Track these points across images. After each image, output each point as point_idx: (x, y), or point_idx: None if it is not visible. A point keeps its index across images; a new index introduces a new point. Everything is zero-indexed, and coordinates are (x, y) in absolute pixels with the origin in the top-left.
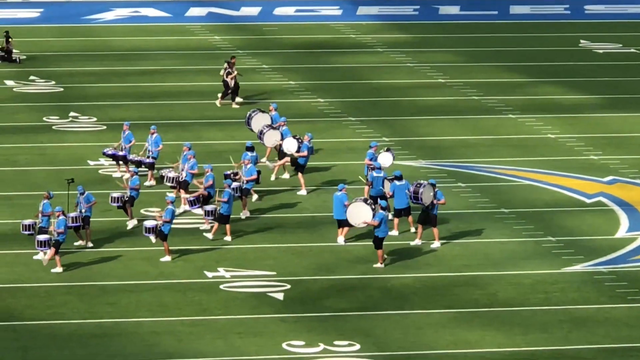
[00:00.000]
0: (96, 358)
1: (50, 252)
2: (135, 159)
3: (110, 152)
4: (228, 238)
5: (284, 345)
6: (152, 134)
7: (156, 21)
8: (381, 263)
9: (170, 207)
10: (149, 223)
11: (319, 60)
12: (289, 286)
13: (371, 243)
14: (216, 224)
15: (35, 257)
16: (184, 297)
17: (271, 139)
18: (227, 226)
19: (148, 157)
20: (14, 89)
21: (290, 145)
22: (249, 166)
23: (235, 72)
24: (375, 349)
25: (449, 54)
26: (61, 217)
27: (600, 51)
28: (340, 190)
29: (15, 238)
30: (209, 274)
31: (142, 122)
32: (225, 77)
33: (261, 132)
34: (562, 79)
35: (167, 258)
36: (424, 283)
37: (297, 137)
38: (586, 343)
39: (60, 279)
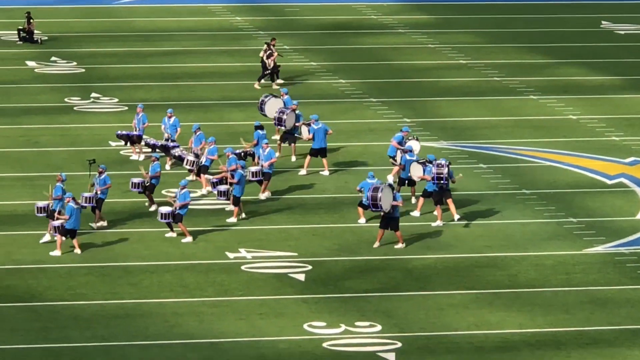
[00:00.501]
0: (118, 339)
1: (58, 238)
2: (151, 142)
3: (123, 133)
4: (233, 219)
5: (305, 326)
6: (170, 117)
7: (178, 2)
8: (402, 243)
9: (184, 191)
10: (164, 209)
11: (340, 41)
12: (310, 267)
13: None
14: (236, 208)
15: (41, 241)
16: (205, 278)
17: (273, 108)
18: (235, 208)
19: (167, 140)
20: (36, 70)
21: (304, 132)
22: (267, 150)
23: (276, 53)
24: (397, 330)
25: (471, 35)
26: (70, 203)
27: (622, 32)
28: (372, 179)
29: (36, 219)
30: (231, 255)
31: (163, 103)
32: (265, 58)
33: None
34: (583, 60)
35: (189, 239)
36: (446, 264)
37: (307, 123)
38: (608, 324)
39: (82, 260)
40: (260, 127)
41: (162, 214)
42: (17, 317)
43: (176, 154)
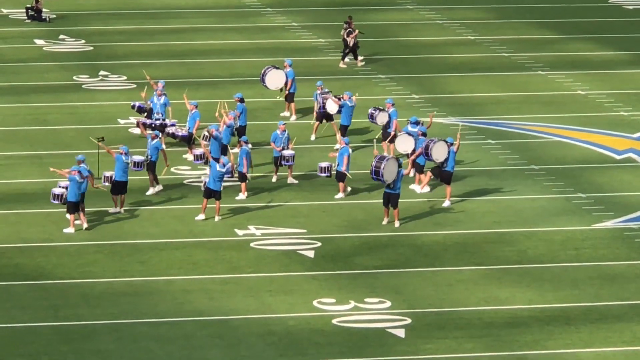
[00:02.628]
0: (127, 316)
1: (71, 218)
2: (148, 122)
3: (138, 104)
4: (242, 196)
5: (314, 302)
6: (160, 95)
7: None
8: (398, 221)
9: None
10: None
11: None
12: (319, 244)
13: (401, 201)
14: (243, 184)
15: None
16: (214, 255)
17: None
18: (243, 184)
19: (158, 119)
20: (44, 48)
21: (331, 107)
22: (286, 133)
23: (357, 31)
24: (406, 306)
25: (479, 11)
26: (76, 175)
27: (630, 7)
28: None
29: (45, 197)
30: (240, 232)
31: (172, 80)
32: (345, 36)
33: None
34: (591, 35)
35: (201, 216)
36: (455, 240)
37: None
38: (617, 299)
39: (91, 238)
40: (242, 100)
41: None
42: (27, 295)
43: (170, 132)
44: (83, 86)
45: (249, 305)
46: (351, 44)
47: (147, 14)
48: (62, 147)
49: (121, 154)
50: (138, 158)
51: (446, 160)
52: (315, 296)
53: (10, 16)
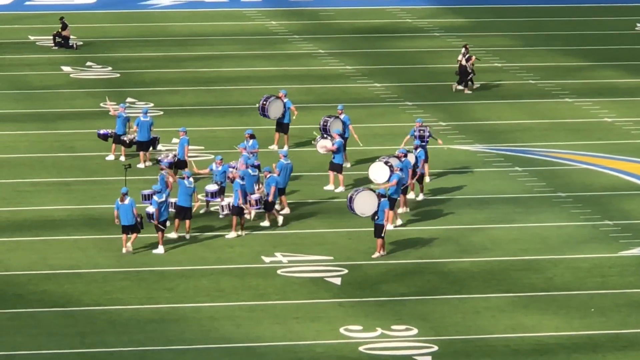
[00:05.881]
0: (154, 343)
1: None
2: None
3: (102, 132)
4: (266, 223)
5: (341, 330)
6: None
7: (213, 6)
8: (378, 252)
9: (270, 176)
10: (255, 196)
11: (375, 45)
12: (346, 271)
13: (428, 228)
14: (268, 212)
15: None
16: (241, 282)
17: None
18: (267, 213)
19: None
20: (71, 75)
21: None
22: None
23: (474, 57)
24: (433, 334)
25: (506, 38)
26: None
27: None
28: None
29: (72, 224)
30: (267, 259)
31: (199, 108)
32: (464, 62)
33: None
34: (618, 62)
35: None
36: (481, 267)
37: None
38: None
39: (118, 265)
40: (252, 136)
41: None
42: (54, 322)
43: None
44: (110, 113)
45: (275, 333)
46: (470, 70)
47: (174, 41)
48: (89, 173)
49: (183, 178)
50: (211, 188)
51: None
52: (342, 323)
53: (37, 43)
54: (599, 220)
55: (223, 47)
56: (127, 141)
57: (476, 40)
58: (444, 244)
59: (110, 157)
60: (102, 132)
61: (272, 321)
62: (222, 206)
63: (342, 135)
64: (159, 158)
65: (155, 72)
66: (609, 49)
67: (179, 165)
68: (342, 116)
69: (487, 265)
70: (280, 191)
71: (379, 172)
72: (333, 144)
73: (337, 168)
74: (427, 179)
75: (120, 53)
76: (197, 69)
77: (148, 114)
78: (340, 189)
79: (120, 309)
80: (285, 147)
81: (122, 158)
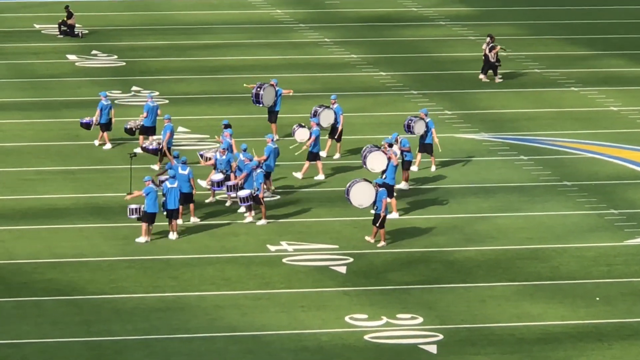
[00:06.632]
0: (159, 332)
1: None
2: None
3: (86, 120)
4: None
5: (347, 318)
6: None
7: None
8: (373, 239)
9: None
10: (243, 193)
11: (380, 34)
12: (351, 260)
13: (433, 217)
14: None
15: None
16: (247, 271)
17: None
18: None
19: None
20: (76, 64)
21: (302, 135)
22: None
23: (499, 47)
24: (438, 322)
25: (511, 27)
26: (150, 184)
27: None
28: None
29: (77, 212)
30: (272, 248)
31: (204, 96)
32: (487, 51)
33: (316, 112)
34: (624, 51)
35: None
36: (487, 256)
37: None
38: None
39: (123, 253)
40: (228, 126)
41: (241, 198)
42: (59, 310)
43: (143, 146)
44: (115, 101)
45: (281, 321)
46: (493, 60)
47: (179, 29)
48: (94, 162)
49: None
50: (217, 177)
51: (384, 171)
52: (347, 312)
53: (42, 32)
54: (605, 209)
55: (228, 35)
56: (134, 129)
57: (482, 29)
58: (450, 233)
59: (108, 146)
60: (84, 120)
61: (278, 310)
62: (240, 198)
63: (334, 126)
64: (144, 145)
65: (160, 60)
66: (614, 37)
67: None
68: (334, 106)
69: (493, 254)
70: (268, 175)
71: (375, 162)
72: (310, 135)
73: (314, 157)
74: (414, 168)
75: (126, 42)
76: (202, 57)
77: (154, 100)
78: (320, 176)
79: (126, 297)
80: (275, 136)
81: (108, 146)
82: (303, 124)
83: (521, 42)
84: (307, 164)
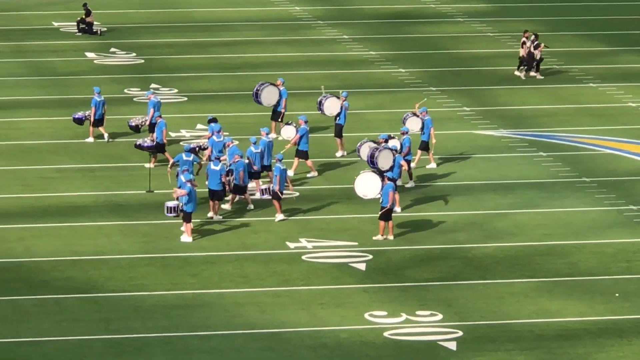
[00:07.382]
0: (179, 329)
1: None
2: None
3: (78, 115)
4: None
5: (366, 315)
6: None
7: None
8: (382, 234)
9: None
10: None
11: (399, 30)
12: (370, 256)
13: (452, 213)
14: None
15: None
16: (266, 268)
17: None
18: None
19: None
20: (95, 61)
21: (289, 132)
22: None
23: (543, 45)
24: (457, 319)
25: (530, 24)
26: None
27: None
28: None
29: (97, 210)
30: (291, 245)
31: (223, 94)
32: (532, 49)
33: (320, 102)
34: None
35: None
36: (506, 252)
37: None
38: None
39: (142, 251)
40: (214, 120)
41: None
42: (79, 308)
43: (137, 144)
44: (134, 99)
45: (300, 318)
46: (537, 57)
47: (198, 26)
48: (114, 160)
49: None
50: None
51: (391, 167)
52: (366, 309)
53: (61, 29)
54: (624, 205)
55: (247, 32)
56: (139, 126)
57: (499, 26)
58: (468, 229)
59: (90, 139)
60: (77, 115)
61: (297, 307)
62: (261, 190)
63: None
64: (138, 142)
65: (179, 58)
66: (632, 33)
67: (158, 148)
68: (344, 102)
69: (512, 251)
70: (265, 168)
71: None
72: (296, 133)
73: (303, 155)
74: (413, 165)
75: (144, 39)
76: (221, 54)
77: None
78: (313, 173)
79: (145, 295)
80: (273, 134)
81: (90, 139)
82: (290, 122)
83: (539, 39)
84: (296, 160)
